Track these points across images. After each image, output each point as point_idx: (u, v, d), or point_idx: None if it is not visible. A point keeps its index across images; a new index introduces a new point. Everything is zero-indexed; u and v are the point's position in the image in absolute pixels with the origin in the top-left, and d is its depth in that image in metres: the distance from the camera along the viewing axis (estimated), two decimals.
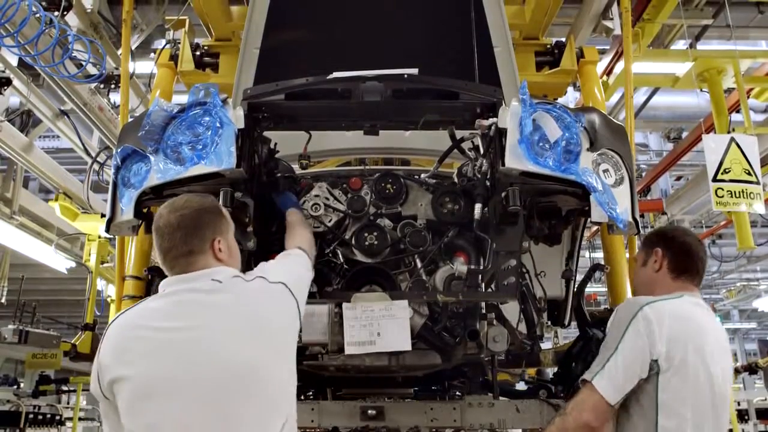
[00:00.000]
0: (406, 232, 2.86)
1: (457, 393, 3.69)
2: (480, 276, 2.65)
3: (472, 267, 2.66)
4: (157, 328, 1.89)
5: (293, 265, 2.30)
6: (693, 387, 2.27)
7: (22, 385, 12.22)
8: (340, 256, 2.86)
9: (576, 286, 3.32)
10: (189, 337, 1.87)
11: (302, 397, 3.82)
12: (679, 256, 2.56)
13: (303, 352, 3.05)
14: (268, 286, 2.05)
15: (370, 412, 3.06)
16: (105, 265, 8.96)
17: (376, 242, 2.83)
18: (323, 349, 2.92)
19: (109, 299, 9.27)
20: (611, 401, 2.25)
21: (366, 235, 2.85)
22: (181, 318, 1.91)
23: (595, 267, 3.58)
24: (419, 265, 2.83)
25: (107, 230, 2.74)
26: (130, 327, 1.94)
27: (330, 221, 2.90)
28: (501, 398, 3.27)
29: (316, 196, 2.93)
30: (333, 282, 2.83)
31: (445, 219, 2.88)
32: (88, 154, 7.57)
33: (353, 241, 2.86)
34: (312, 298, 2.73)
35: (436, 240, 2.86)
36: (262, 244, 2.69)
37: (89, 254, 8.98)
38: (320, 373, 3.33)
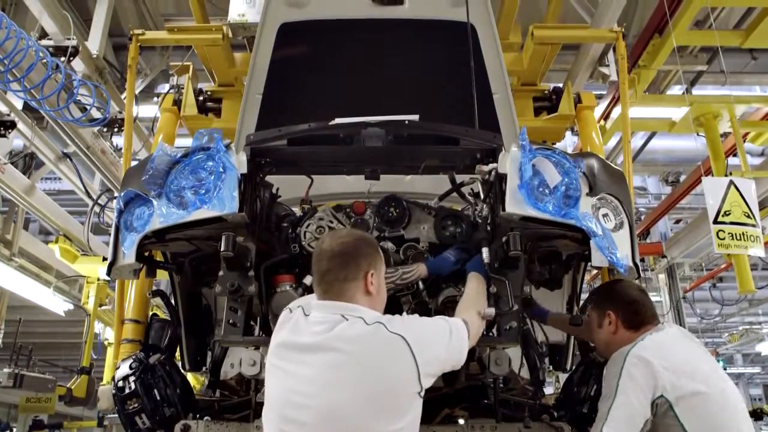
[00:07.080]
0: (409, 255, 2.88)
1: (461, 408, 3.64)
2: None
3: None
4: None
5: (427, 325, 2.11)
6: (718, 407, 2.31)
7: (15, 430, 11.99)
8: None
9: None
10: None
11: None
12: (631, 314, 2.64)
13: None
14: (388, 337, 1.92)
15: None
16: (103, 308, 8.89)
17: None
18: None
19: (106, 342, 9.18)
20: None
21: None
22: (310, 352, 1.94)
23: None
24: (422, 287, 2.83)
25: (108, 274, 2.74)
26: None
27: None
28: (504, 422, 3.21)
29: (321, 219, 2.94)
30: None
31: (447, 241, 2.90)
32: (90, 196, 7.59)
33: None
34: None
35: None
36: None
37: (88, 297, 8.92)
38: None
